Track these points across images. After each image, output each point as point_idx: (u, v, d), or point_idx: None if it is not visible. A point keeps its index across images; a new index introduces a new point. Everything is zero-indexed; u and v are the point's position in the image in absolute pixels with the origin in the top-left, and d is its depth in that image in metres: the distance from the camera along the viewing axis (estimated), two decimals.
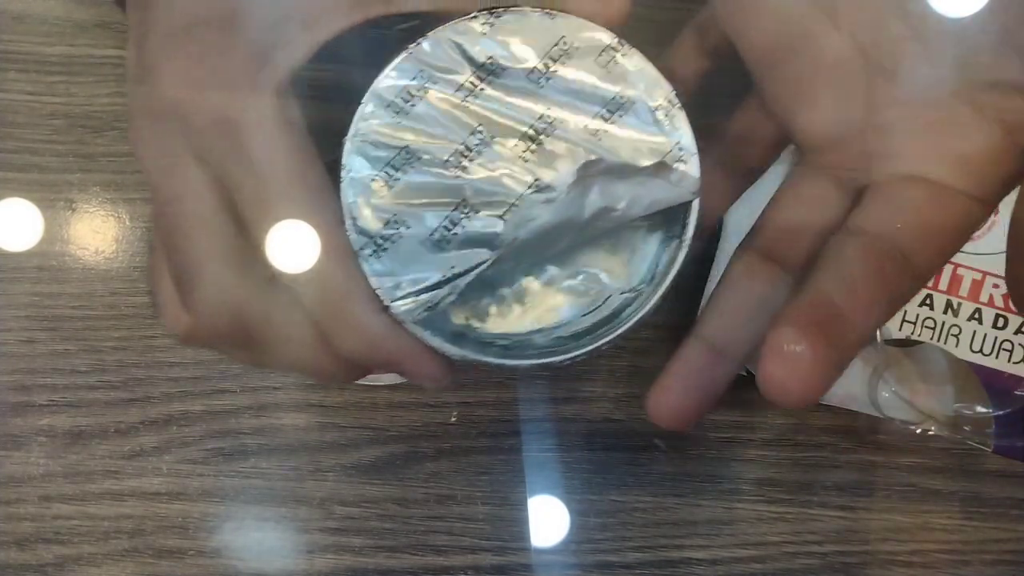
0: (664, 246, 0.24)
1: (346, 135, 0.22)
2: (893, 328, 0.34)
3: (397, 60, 0.22)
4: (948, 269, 0.34)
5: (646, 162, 0.22)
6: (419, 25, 0.22)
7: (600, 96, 0.22)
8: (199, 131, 0.21)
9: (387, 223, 0.22)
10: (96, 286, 0.37)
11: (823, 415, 0.37)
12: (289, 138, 0.21)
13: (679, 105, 0.23)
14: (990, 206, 0.19)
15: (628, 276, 0.24)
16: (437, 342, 0.22)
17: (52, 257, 0.37)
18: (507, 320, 0.24)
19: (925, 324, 0.34)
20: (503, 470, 0.37)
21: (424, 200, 0.22)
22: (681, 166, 0.22)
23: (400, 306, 0.21)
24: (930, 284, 0.34)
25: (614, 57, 0.23)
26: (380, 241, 0.22)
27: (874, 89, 0.20)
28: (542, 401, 0.37)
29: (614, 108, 0.23)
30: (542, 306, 0.24)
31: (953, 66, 0.19)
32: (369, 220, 0.22)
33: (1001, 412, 0.34)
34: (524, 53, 0.22)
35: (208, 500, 0.37)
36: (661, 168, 0.22)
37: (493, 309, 0.24)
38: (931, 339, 0.34)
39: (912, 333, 0.34)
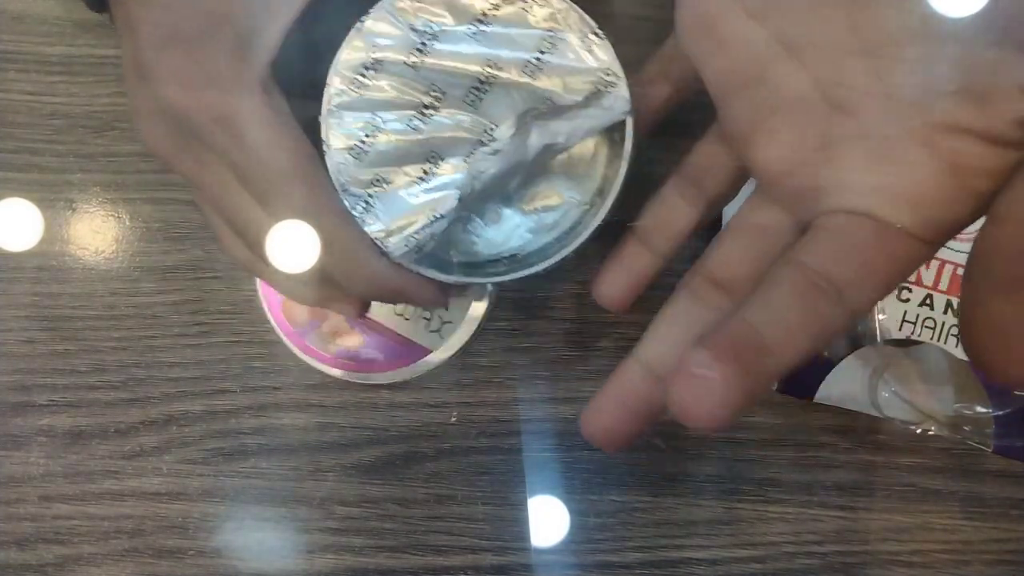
0: (609, 162, 0.27)
1: (320, 115, 0.25)
2: (893, 328, 0.34)
3: (348, 38, 0.25)
4: (948, 269, 0.34)
5: (578, 95, 0.25)
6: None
7: (531, 39, 0.25)
8: (198, 128, 0.24)
9: (369, 184, 0.26)
10: (96, 286, 0.37)
11: (823, 415, 0.37)
12: (280, 125, 0.24)
13: (602, 36, 0.25)
14: (934, 247, 0.19)
15: (582, 192, 0.28)
16: (432, 273, 0.27)
17: (52, 257, 0.37)
18: (485, 245, 0.29)
19: (925, 324, 0.34)
20: (503, 470, 0.37)
21: (397, 160, 0.26)
22: (611, 90, 0.25)
23: (396, 250, 0.26)
24: (930, 284, 0.34)
25: (535, 3, 0.25)
26: (368, 200, 0.26)
27: (830, 124, 0.20)
28: (542, 401, 0.37)
29: (544, 48, 0.25)
30: (513, 227, 0.29)
31: (910, 106, 0.19)
32: (354, 185, 0.26)
33: (1001, 412, 0.34)
34: (457, 11, 0.25)
35: (208, 500, 0.37)
36: (592, 97, 0.25)
37: (472, 238, 0.29)
38: (931, 339, 0.34)
39: (912, 333, 0.34)
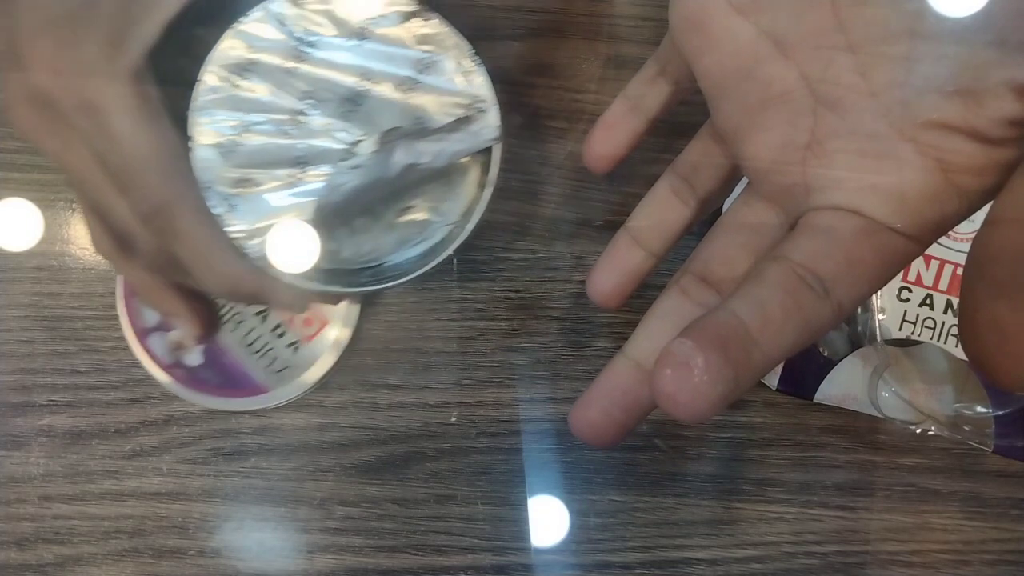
0: (477, 186, 0.28)
1: (188, 109, 0.25)
2: (893, 328, 0.34)
3: (225, 36, 0.25)
4: (948, 269, 0.34)
5: (448, 117, 0.26)
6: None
7: (408, 58, 0.26)
8: (67, 113, 0.24)
9: (235, 183, 0.26)
10: (96, 286, 0.37)
11: (823, 415, 0.37)
12: (148, 116, 0.24)
13: (478, 62, 0.26)
14: (923, 245, 0.19)
15: (447, 212, 0.29)
16: (290, 277, 0.26)
17: (52, 257, 0.37)
18: (348, 255, 0.28)
19: (925, 324, 0.34)
20: (503, 470, 0.37)
21: (265, 162, 0.26)
22: (481, 116, 0.26)
23: (256, 252, 0.26)
24: (930, 284, 0.34)
25: (417, 22, 0.25)
26: (231, 201, 0.26)
27: (818, 120, 0.20)
28: (542, 401, 0.37)
29: (421, 68, 0.26)
30: (378, 240, 0.29)
31: (897, 103, 0.19)
32: (219, 184, 0.26)
33: (1001, 412, 0.34)
34: (337, 22, 0.25)
35: (208, 500, 0.37)
36: (462, 121, 0.26)
37: (335, 246, 0.28)
38: (931, 339, 0.34)
39: (912, 333, 0.34)
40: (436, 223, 0.29)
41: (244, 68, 0.25)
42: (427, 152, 0.27)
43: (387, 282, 0.27)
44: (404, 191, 0.28)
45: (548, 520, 0.37)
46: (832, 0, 0.19)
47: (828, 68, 0.20)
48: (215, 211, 0.26)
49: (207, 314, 0.34)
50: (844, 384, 0.34)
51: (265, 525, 0.37)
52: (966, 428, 0.34)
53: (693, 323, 0.18)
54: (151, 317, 0.36)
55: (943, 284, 0.34)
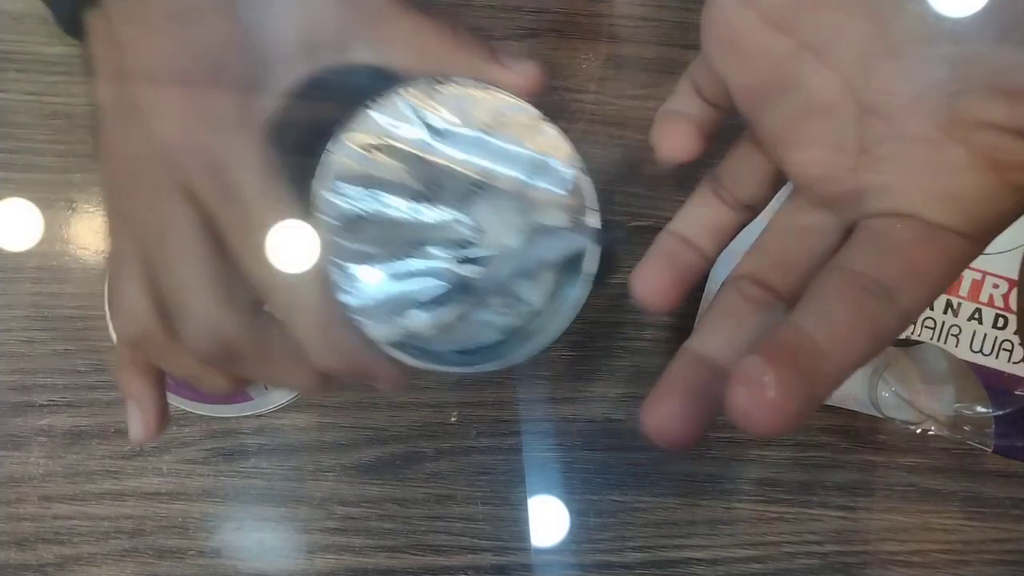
0: (575, 280, 0.28)
1: (314, 179, 0.26)
2: None
3: (359, 115, 0.26)
4: None
5: (557, 220, 0.28)
6: (371, 78, 0.26)
7: (525, 159, 0.27)
8: (188, 171, 0.23)
9: (355, 257, 0.26)
10: (96, 286, 0.37)
11: (823, 415, 0.37)
12: (272, 178, 0.24)
13: (585, 170, 0.28)
14: (981, 244, 0.19)
15: (546, 302, 0.30)
16: (401, 356, 0.27)
17: (52, 257, 0.37)
18: (454, 337, 0.29)
19: (925, 324, 0.34)
20: (503, 470, 0.37)
21: (384, 241, 0.27)
22: (585, 220, 0.28)
23: (374, 330, 0.26)
24: None
25: (537, 129, 0.27)
26: (352, 274, 0.26)
27: (865, 128, 0.20)
28: (542, 401, 0.37)
29: (535, 170, 0.27)
30: (481, 326, 0.30)
31: (944, 105, 0.19)
32: (340, 256, 0.26)
33: (1001, 412, 0.34)
34: (465, 116, 0.27)
35: (208, 500, 0.37)
36: (567, 224, 0.28)
37: (443, 329, 0.29)
38: (931, 339, 0.34)
39: (912, 333, 0.34)
40: (533, 312, 0.30)
41: (373, 148, 0.26)
42: (538, 248, 0.29)
43: (491, 365, 0.28)
44: (509, 281, 0.30)
45: (548, 520, 0.37)
46: (870, 6, 0.19)
47: (871, 75, 0.20)
48: (335, 283, 0.26)
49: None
50: (844, 384, 0.34)
51: (265, 525, 0.37)
52: (966, 428, 0.34)
53: (763, 340, 0.18)
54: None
55: None
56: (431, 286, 0.28)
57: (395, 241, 0.27)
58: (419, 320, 0.27)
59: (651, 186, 0.37)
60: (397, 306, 0.27)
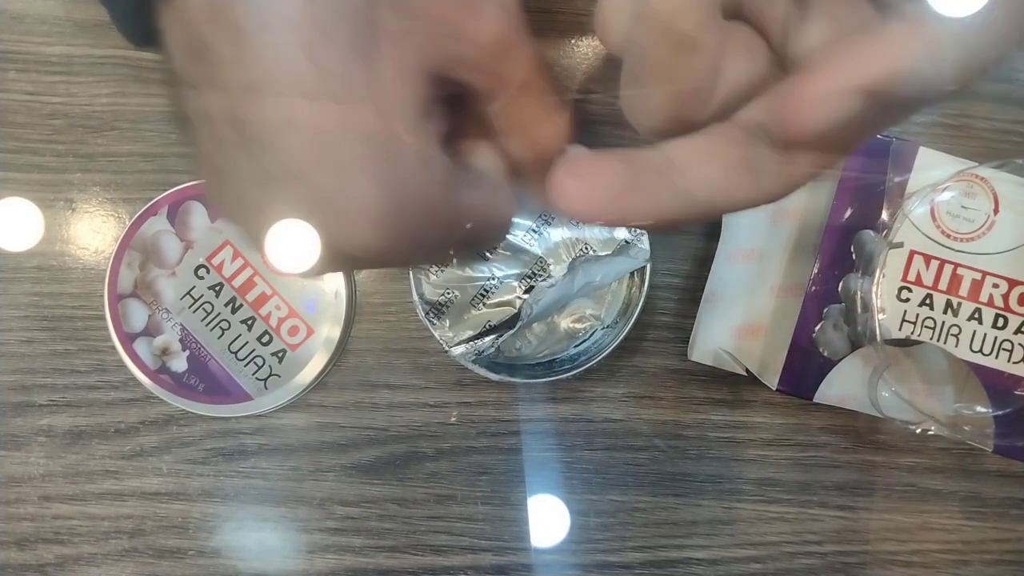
0: (631, 293, 0.35)
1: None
2: (893, 328, 0.34)
3: None
4: (948, 269, 0.34)
5: (610, 249, 0.35)
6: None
7: None
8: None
9: (441, 294, 0.34)
10: (96, 286, 0.37)
11: (823, 415, 0.37)
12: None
13: None
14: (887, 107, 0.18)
15: (607, 315, 0.36)
16: (481, 371, 0.34)
17: (52, 257, 0.37)
18: (529, 352, 0.36)
19: (925, 324, 0.34)
20: (503, 470, 0.37)
21: (465, 278, 0.35)
22: (637, 244, 0.34)
23: (456, 351, 0.34)
24: (930, 284, 0.34)
25: None
26: (438, 307, 0.34)
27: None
28: (542, 401, 0.37)
29: None
30: (552, 340, 0.36)
31: None
32: (429, 294, 0.34)
33: (1001, 412, 0.34)
34: None
35: (208, 500, 0.37)
36: (622, 249, 0.34)
37: (519, 344, 0.36)
38: (931, 339, 0.34)
39: (912, 333, 0.34)
40: (595, 325, 0.36)
41: None
42: (598, 272, 0.34)
43: (560, 375, 0.34)
44: (574, 301, 0.35)
45: (548, 520, 0.37)
46: None
47: None
48: (425, 316, 0.34)
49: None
50: (844, 384, 0.34)
51: (265, 525, 0.37)
52: (966, 428, 0.34)
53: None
54: (137, 322, 0.36)
55: (943, 284, 0.34)
56: (508, 314, 0.35)
57: (474, 279, 0.35)
58: (492, 340, 0.34)
59: None
60: (478, 332, 0.34)
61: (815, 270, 0.34)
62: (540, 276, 0.35)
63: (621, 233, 0.34)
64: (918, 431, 0.34)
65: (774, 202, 0.20)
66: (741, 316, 0.35)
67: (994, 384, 0.34)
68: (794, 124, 0.17)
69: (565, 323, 0.36)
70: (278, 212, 0.19)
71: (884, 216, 0.34)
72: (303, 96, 0.18)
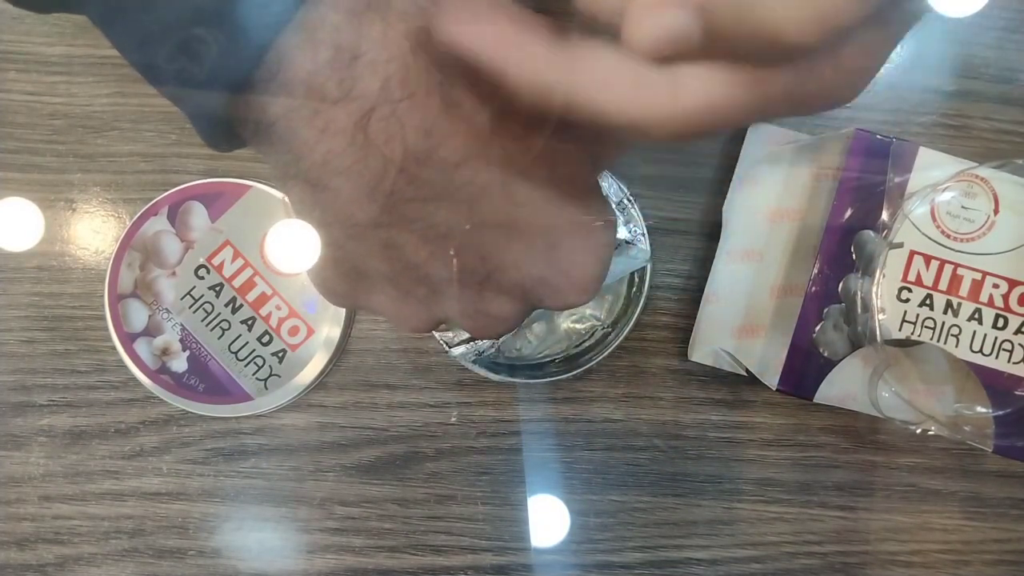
0: (631, 293, 0.35)
1: None
2: (893, 328, 0.34)
3: None
4: (948, 269, 0.34)
5: (616, 245, 0.32)
6: None
7: None
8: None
9: None
10: (96, 286, 0.37)
11: (823, 415, 0.37)
12: None
13: (634, 201, 0.34)
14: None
15: (607, 315, 0.36)
16: (482, 371, 0.34)
17: (52, 257, 0.37)
18: (529, 352, 0.36)
19: (925, 324, 0.34)
20: (503, 470, 0.37)
21: None
22: (637, 244, 0.34)
23: (457, 351, 0.34)
24: (930, 284, 0.34)
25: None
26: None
27: None
28: (542, 401, 0.37)
29: None
30: (552, 340, 0.36)
31: None
32: None
33: (1001, 412, 0.34)
34: None
35: (208, 500, 0.37)
36: (623, 248, 0.34)
37: (519, 344, 0.36)
38: (931, 339, 0.34)
39: (912, 333, 0.34)
40: (598, 325, 0.36)
41: None
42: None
43: (563, 374, 0.34)
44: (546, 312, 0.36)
45: (548, 520, 0.37)
46: None
47: None
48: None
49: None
50: (844, 384, 0.34)
51: (265, 525, 0.37)
52: (966, 428, 0.34)
53: None
54: (137, 322, 0.36)
55: (943, 284, 0.34)
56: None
57: None
58: (486, 342, 0.33)
59: (651, 186, 0.37)
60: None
61: (815, 270, 0.34)
62: None
63: (621, 233, 0.34)
64: (918, 431, 0.34)
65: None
66: (741, 316, 0.35)
67: (994, 384, 0.34)
68: (627, 36, 0.17)
69: (565, 323, 0.36)
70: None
71: (884, 216, 0.34)
72: None
